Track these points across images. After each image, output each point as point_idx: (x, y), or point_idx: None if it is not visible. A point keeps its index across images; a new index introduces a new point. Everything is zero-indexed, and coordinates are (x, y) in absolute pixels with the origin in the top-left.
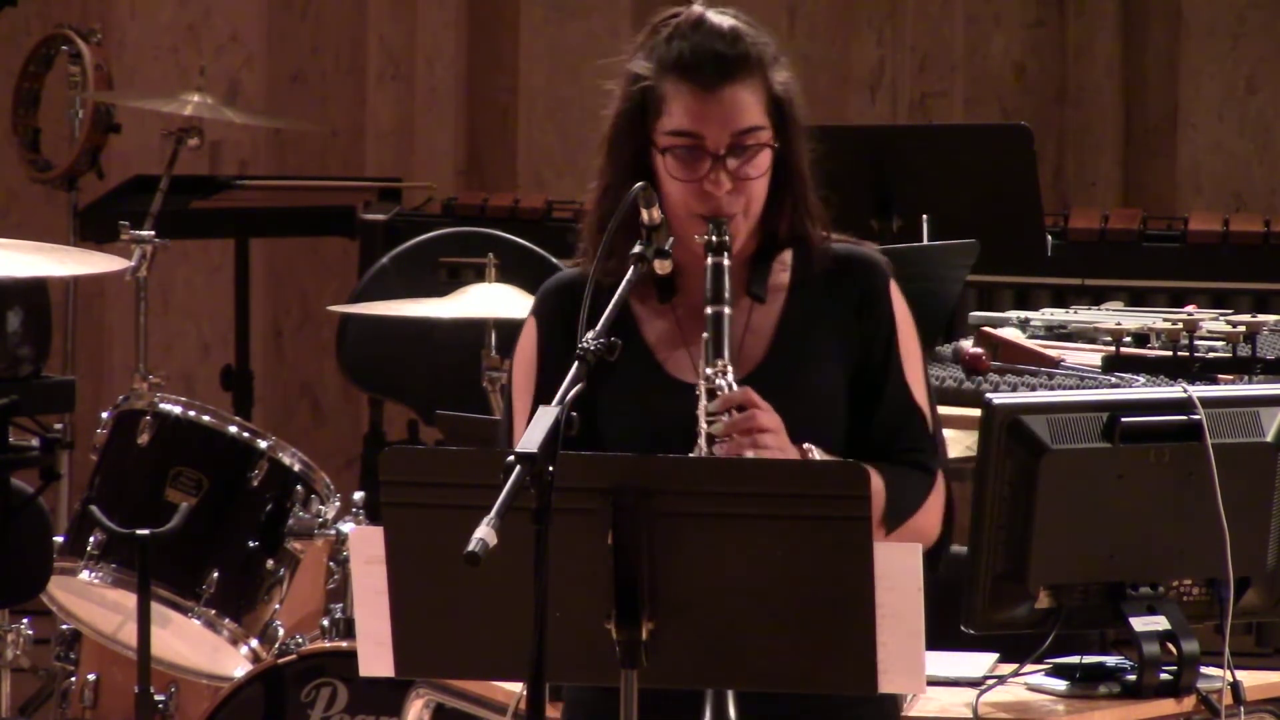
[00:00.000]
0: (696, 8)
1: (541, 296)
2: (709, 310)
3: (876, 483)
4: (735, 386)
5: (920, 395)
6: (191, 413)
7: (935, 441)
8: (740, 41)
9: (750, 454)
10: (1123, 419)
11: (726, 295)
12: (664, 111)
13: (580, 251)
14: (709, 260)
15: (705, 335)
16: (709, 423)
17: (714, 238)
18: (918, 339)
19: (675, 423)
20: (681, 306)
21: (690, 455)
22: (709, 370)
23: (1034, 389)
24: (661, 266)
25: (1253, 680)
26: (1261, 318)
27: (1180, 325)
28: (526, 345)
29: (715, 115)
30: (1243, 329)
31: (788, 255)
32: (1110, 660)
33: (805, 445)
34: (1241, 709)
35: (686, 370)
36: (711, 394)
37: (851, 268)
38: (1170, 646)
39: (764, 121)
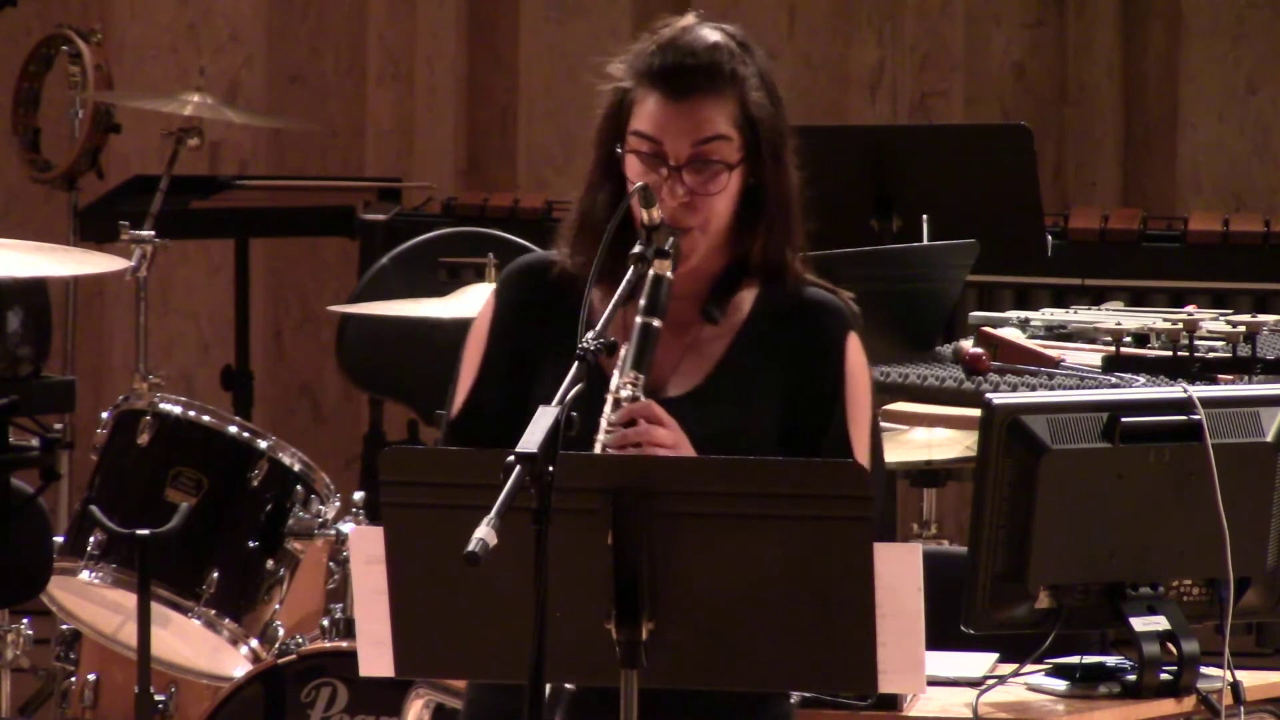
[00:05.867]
0: (689, 18)
1: (504, 276)
2: (638, 319)
3: None
4: (641, 399)
5: (860, 451)
6: (191, 413)
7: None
8: (716, 55)
9: None
10: (1123, 419)
11: (660, 307)
12: (634, 113)
13: (560, 242)
14: (651, 270)
15: (626, 344)
16: (608, 432)
17: (658, 248)
18: (871, 396)
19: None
20: (636, 311)
21: (690, 455)
22: (621, 379)
23: (1034, 389)
24: (661, 266)
25: (1253, 680)
26: (1261, 318)
27: (1180, 325)
28: (482, 321)
29: (676, 125)
30: (1243, 329)
31: (756, 284)
32: (1110, 660)
33: None
34: (1241, 709)
35: None
36: (618, 404)
37: (812, 313)
38: (1170, 646)
39: (730, 134)
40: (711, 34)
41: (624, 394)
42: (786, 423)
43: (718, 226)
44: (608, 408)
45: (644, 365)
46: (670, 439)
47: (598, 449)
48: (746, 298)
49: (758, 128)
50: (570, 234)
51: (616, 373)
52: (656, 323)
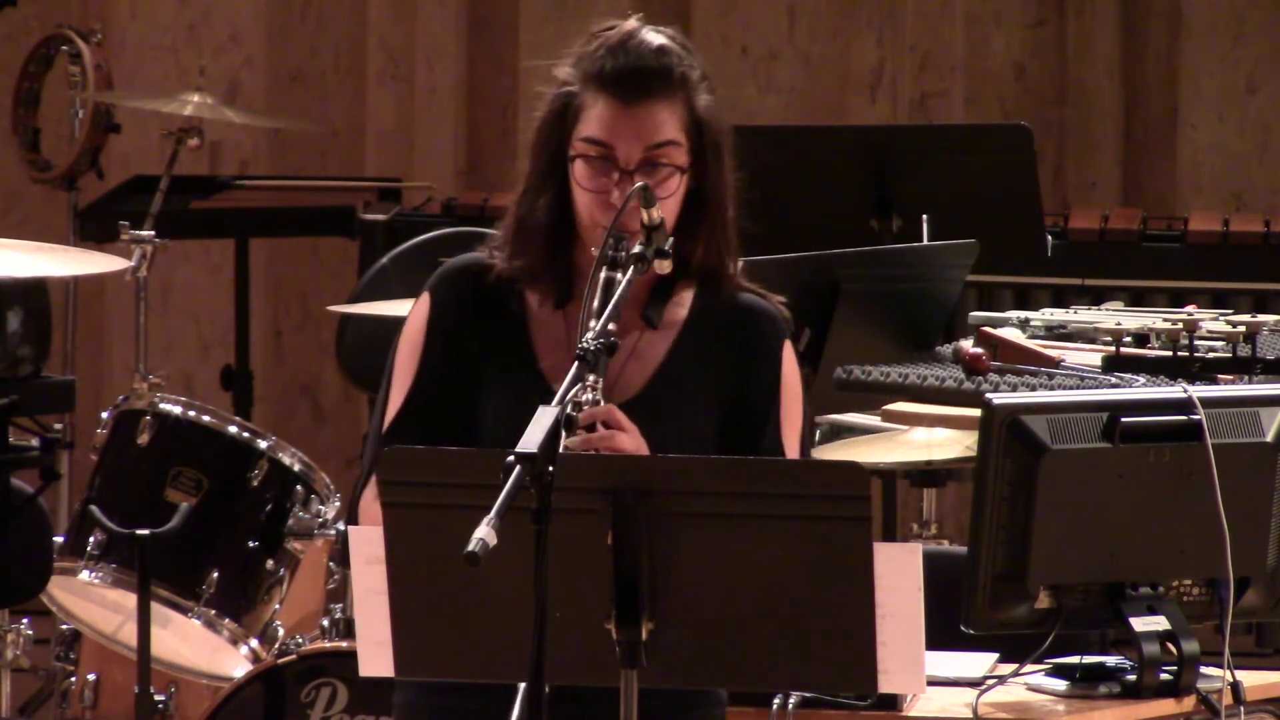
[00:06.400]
0: (632, 22)
1: (440, 277)
2: (593, 324)
3: None
4: (601, 403)
5: (792, 457)
6: (191, 413)
7: None
8: (666, 60)
9: None
10: (1123, 419)
11: (615, 312)
12: (581, 119)
13: (495, 246)
14: (602, 274)
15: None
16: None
17: (610, 251)
18: (803, 403)
19: None
20: (575, 314)
21: (690, 455)
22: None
23: (1034, 389)
24: (661, 267)
25: (1253, 680)
26: (1261, 318)
27: (1180, 325)
28: (416, 322)
29: (628, 130)
30: (1243, 329)
31: (691, 287)
32: (1110, 660)
33: None
34: (1241, 709)
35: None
36: (579, 407)
37: (749, 319)
38: (1170, 646)
39: (680, 139)
40: (657, 37)
41: (585, 397)
42: (721, 429)
43: (666, 230)
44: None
45: (600, 368)
46: (632, 445)
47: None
48: (683, 300)
49: (704, 131)
50: (508, 237)
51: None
52: (611, 325)
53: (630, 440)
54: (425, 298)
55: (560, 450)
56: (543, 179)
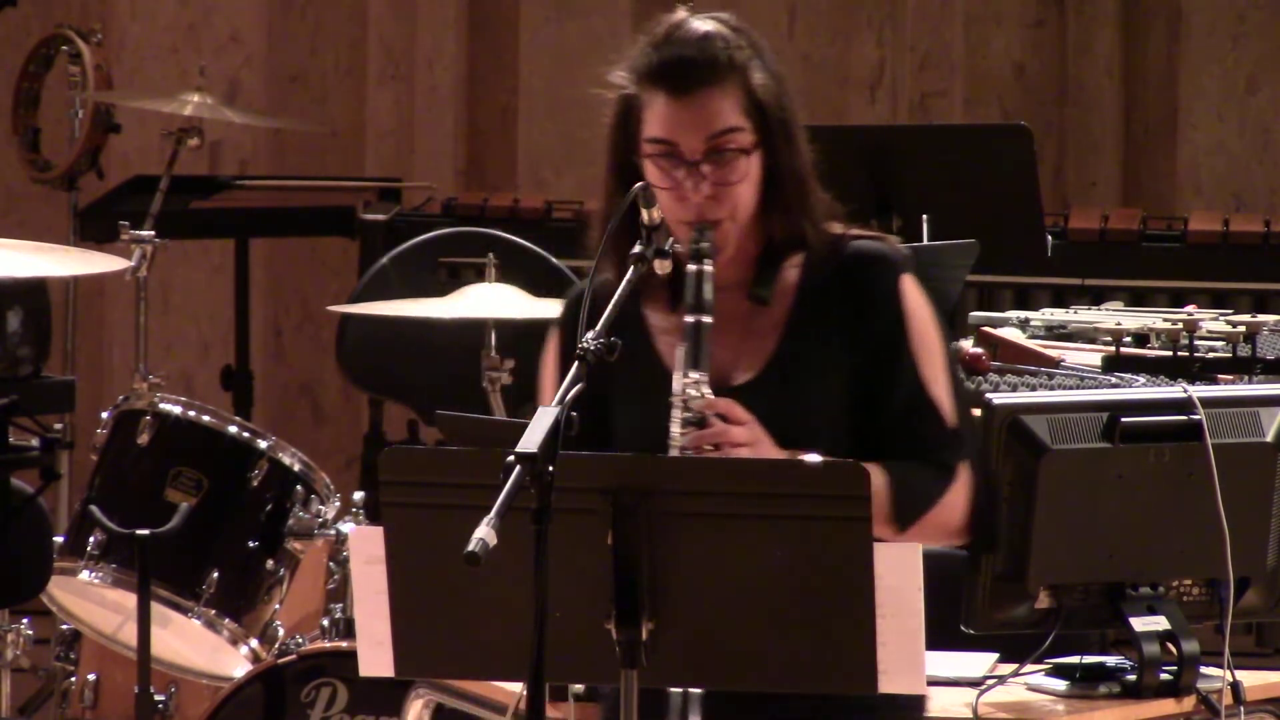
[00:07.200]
0: (679, 14)
1: (564, 306)
2: (687, 319)
3: (880, 480)
4: (708, 396)
5: (938, 390)
6: (191, 413)
7: (957, 436)
8: (711, 46)
9: None
10: (1123, 419)
11: (706, 304)
12: (644, 119)
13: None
14: (690, 267)
15: (682, 345)
16: (682, 434)
17: (694, 245)
18: (937, 333)
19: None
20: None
21: (690, 455)
22: (683, 381)
23: (1034, 389)
24: (661, 266)
25: (1253, 680)
26: (1261, 318)
27: (1180, 325)
28: (549, 357)
29: (687, 122)
30: (1243, 329)
31: (799, 256)
32: (1110, 660)
33: (803, 456)
34: (1241, 709)
35: None
36: (686, 406)
37: (859, 266)
38: (1170, 646)
39: (741, 123)
40: (704, 25)
41: (691, 393)
42: (855, 385)
43: (746, 214)
44: (675, 411)
45: (702, 362)
46: (748, 436)
47: (674, 453)
48: (792, 272)
49: (766, 111)
50: (596, 247)
51: (677, 375)
52: (707, 319)
53: (746, 432)
54: (554, 332)
55: (680, 448)
56: (616, 184)
